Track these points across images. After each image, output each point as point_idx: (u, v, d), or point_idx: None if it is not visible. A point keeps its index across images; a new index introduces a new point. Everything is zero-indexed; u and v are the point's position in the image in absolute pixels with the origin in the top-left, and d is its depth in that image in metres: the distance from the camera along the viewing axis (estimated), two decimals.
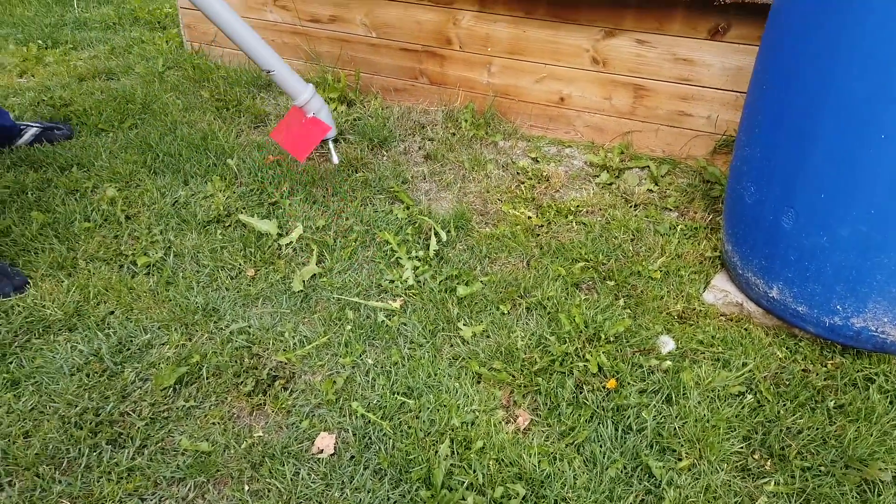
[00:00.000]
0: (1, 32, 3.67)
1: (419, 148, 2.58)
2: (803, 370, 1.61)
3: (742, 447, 1.42)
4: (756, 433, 1.45)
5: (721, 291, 1.83)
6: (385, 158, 2.50)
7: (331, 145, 2.31)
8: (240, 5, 3.08)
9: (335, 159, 2.29)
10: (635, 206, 2.25)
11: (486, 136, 2.64)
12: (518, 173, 2.42)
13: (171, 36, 3.61)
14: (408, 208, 2.18)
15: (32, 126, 2.47)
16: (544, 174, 2.40)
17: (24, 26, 3.77)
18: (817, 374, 1.59)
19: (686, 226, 2.12)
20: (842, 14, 1.34)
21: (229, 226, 2.07)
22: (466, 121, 2.67)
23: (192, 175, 2.30)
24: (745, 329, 1.73)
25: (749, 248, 1.71)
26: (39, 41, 3.55)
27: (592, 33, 2.43)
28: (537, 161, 2.51)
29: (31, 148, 2.42)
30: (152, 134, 2.53)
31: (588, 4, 2.37)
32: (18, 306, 1.72)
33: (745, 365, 1.60)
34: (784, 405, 1.51)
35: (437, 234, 2.03)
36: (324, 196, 2.24)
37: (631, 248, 2.02)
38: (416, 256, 1.95)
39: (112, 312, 1.74)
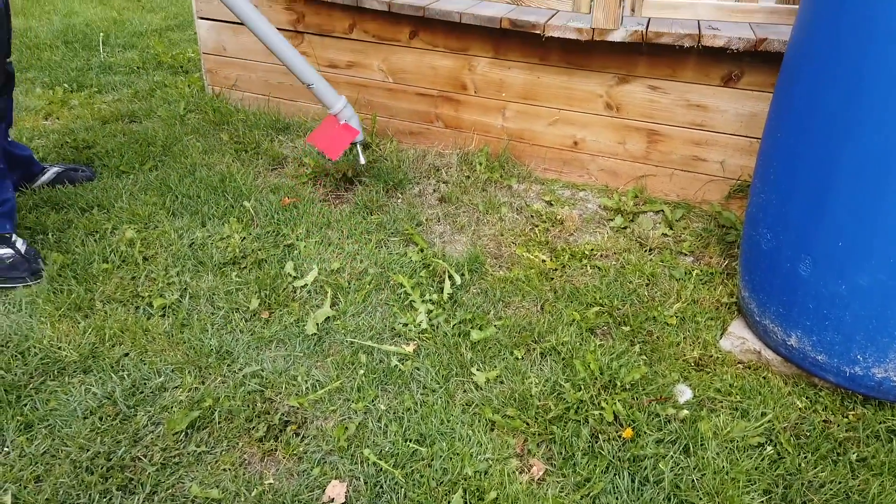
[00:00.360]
0: (28, 76, 3.78)
1: (434, 190, 2.61)
2: (824, 421, 1.58)
3: (762, 501, 1.39)
4: (777, 487, 1.42)
5: (738, 338, 1.80)
6: (400, 201, 2.52)
7: (359, 148, 2.49)
8: (262, 52, 3.15)
9: (362, 160, 2.51)
10: (650, 250, 2.24)
11: (500, 180, 2.66)
12: (532, 216, 2.43)
13: (193, 80, 3.70)
14: (422, 251, 2.19)
15: (54, 166, 2.53)
16: (558, 217, 2.40)
17: (51, 70, 3.88)
18: (838, 426, 1.56)
19: (702, 271, 2.10)
20: (856, 65, 1.35)
21: (245, 267, 2.08)
22: (481, 164, 2.70)
23: (209, 217, 2.33)
24: (764, 377, 1.70)
25: (766, 296, 1.69)
26: (65, 85, 3.65)
27: (606, 79, 2.46)
28: (551, 204, 2.52)
29: (53, 189, 2.47)
30: (172, 176, 2.58)
31: (601, 52, 2.40)
32: (35, 348, 1.73)
33: (764, 415, 1.57)
34: (805, 457, 1.47)
35: (451, 277, 2.03)
36: (339, 238, 2.26)
37: (646, 293, 2.01)
38: (430, 300, 1.95)
39: (127, 354, 1.74)
